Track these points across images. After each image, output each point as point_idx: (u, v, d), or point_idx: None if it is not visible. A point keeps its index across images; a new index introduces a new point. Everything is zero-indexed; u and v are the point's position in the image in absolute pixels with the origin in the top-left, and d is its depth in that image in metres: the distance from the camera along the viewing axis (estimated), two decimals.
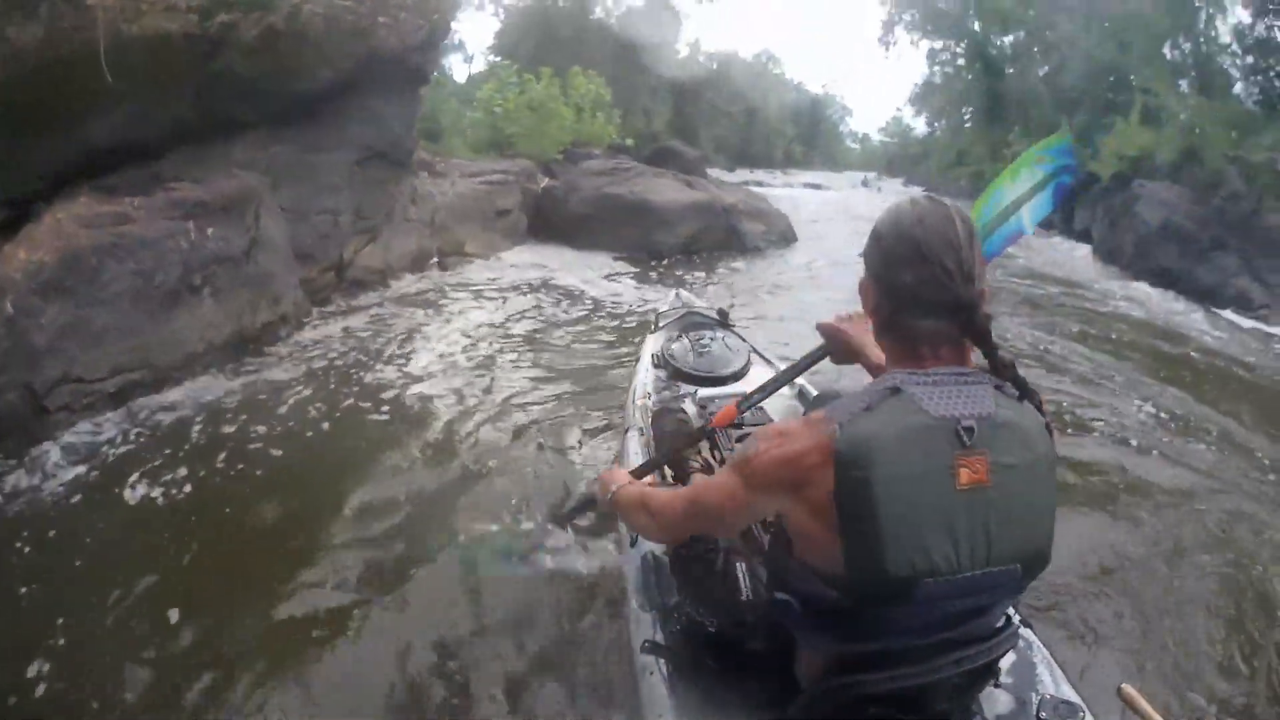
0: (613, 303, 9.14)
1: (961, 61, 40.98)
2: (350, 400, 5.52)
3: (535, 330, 7.79)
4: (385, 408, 5.42)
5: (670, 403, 3.64)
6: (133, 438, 4.75)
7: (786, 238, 14.83)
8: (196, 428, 4.90)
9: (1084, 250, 19.56)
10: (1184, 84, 25.27)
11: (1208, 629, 3.37)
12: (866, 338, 2.00)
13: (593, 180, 13.26)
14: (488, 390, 5.83)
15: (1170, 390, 7.07)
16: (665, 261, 12.08)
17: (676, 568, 2.21)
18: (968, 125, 41.95)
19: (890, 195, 30.78)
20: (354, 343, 6.87)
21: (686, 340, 4.28)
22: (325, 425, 5.08)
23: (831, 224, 19.07)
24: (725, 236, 13.41)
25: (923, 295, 1.45)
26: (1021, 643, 2.01)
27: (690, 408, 3.53)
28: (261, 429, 4.90)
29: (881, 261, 1.51)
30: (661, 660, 2.07)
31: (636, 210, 12.66)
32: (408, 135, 9.47)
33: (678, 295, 5.49)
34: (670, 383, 4.01)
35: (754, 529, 2.18)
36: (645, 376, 4.12)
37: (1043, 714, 1.82)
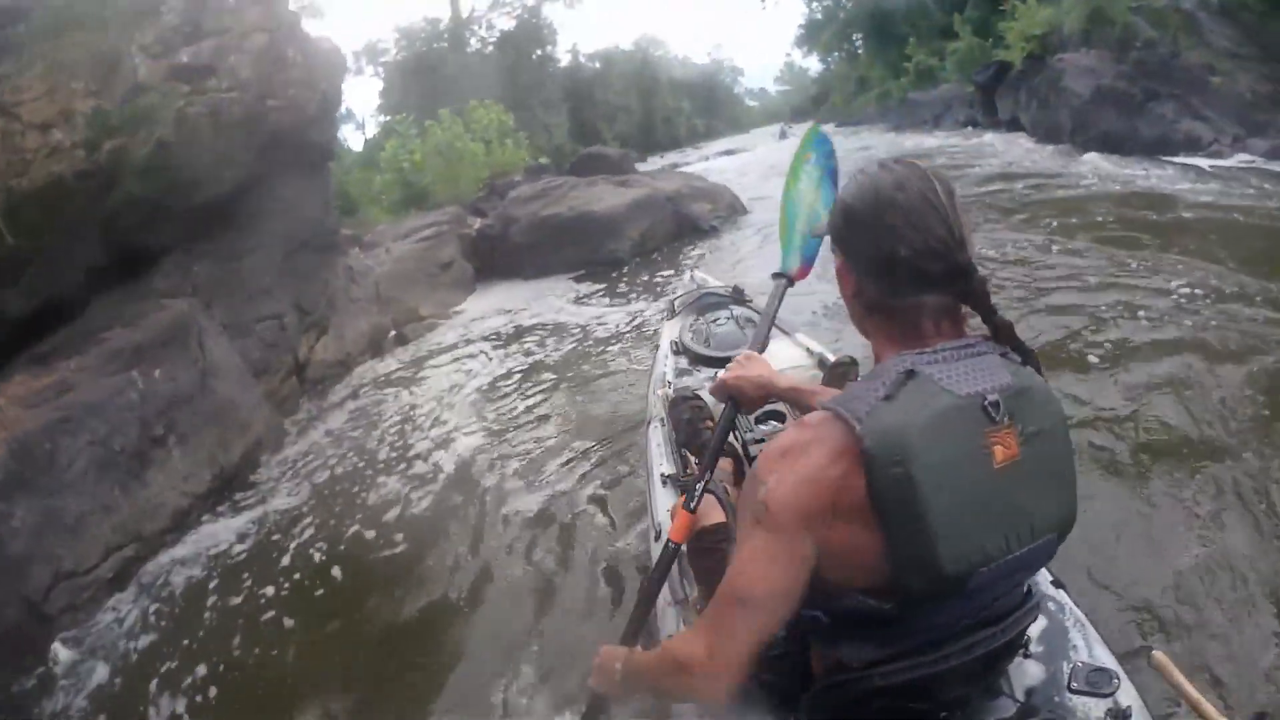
0: (595, 324, 8.73)
1: None
2: (354, 527, 4.97)
3: (524, 381, 7.30)
4: (398, 535, 4.77)
5: (686, 390, 3.53)
6: (151, 618, 4.31)
7: (736, 209, 14.38)
8: (211, 598, 4.43)
9: (1022, 139, 19.61)
10: None
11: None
12: (764, 371, 1.97)
13: (527, 207, 12.74)
14: (496, 480, 5.23)
15: (1189, 263, 6.74)
16: (626, 268, 11.59)
17: (693, 560, 2.19)
18: (860, 51, 42.44)
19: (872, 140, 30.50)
20: (343, 448, 6.38)
21: (702, 322, 4.32)
22: (335, 572, 4.56)
23: (768, 183, 18.46)
24: (677, 226, 12.96)
25: (919, 268, 1.32)
26: (1053, 606, 1.94)
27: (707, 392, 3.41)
28: (269, 590, 4.42)
29: (863, 239, 1.39)
30: None
31: (580, 224, 12.18)
32: (327, 215, 8.99)
33: (692, 277, 5.32)
34: (690, 368, 4.00)
35: None
36: (664, 364, 4.08)
37: (1074, 683, 1.72)
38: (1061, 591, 1.99)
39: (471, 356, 8.44)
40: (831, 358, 3.40)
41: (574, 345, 8.12)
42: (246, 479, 5.91)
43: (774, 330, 3.81)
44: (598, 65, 36.21)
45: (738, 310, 4.41)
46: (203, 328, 6.23)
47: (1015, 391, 1.29)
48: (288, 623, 4.17)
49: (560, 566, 4.08)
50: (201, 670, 3.82)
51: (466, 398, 7.12)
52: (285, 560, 4.72)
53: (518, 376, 7.47)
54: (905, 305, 1.35)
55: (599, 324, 8.69)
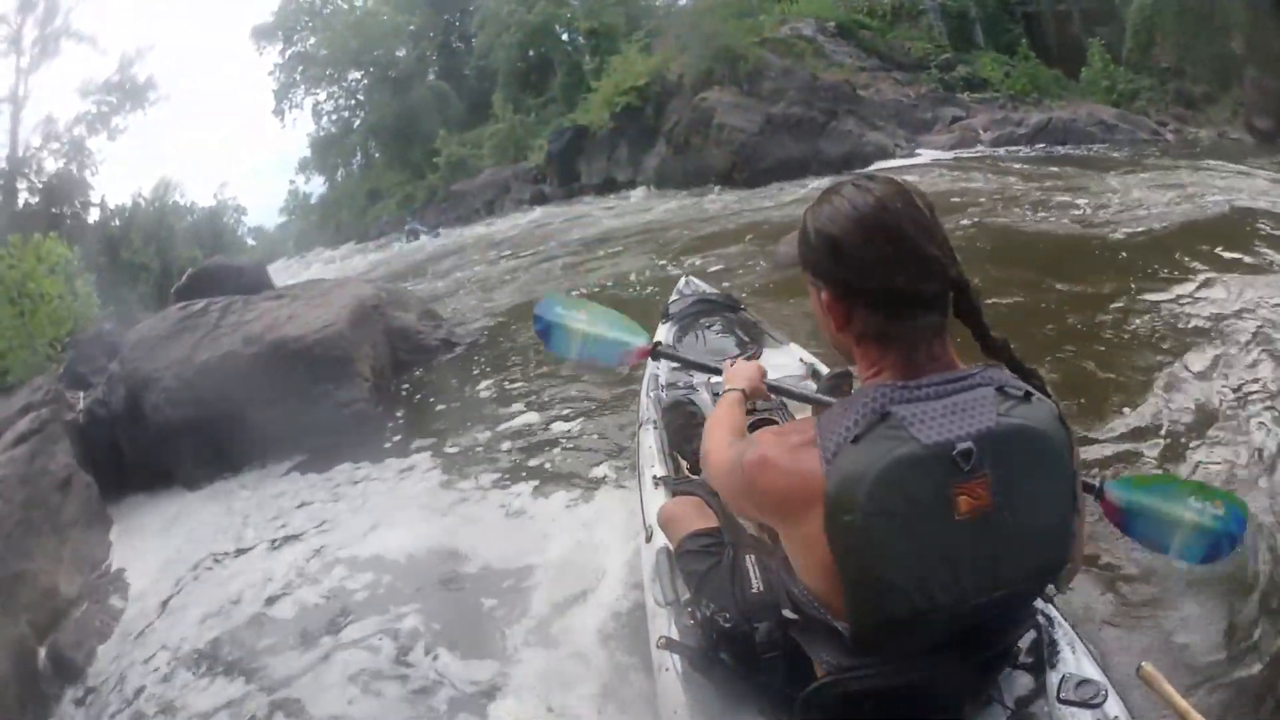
0: (417, 578, 4.20)
1: (357, 99, 42.34)
2: None
3: None
4: None
5: (681, 395, 3.66)
6: None
7: (433, 315, 10.14)
8: None
9: (640, 194, 18.41)
10: None
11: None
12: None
13: (166, 353, 7.19)
14: None
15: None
16: (385, 431, 6.72)
17: (685, 563, 2.17)
18: (377, 157, 42.42)
19: (446, 238, 27.08)
20: None
21: (697, 327, 4.46)
22: None
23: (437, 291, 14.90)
24: (397, 349, 8.42)
25: (916, 292, 1.33)
26: (1042, 619, 1.96)
27: (703, 397, 3.56)
28: None
29: (853, 270, 1.36)
30: (677, 656, 2.05)
31: (280, 365, 6.96)
32: None
33: (687, 281, 5.29)
34: (683, 372, 3.93)
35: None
36: (657, 368, 4.01)
37: (1063, 694, 1.80)
38: (1050, 606, 2.03)
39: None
40: (824, 369, 3.59)
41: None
42: None
43: (769, 339, 4.35)
44: (117, 223, 32.44)
45: (732, 317, 4.54)
46: None
47: (996, 437, 1.27)
48: None
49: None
50: None
51: None
52: None
53: None
54: (902, 331, 1.35)
55: (424, 576, 4.23)
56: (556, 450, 5.47)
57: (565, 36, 33.92)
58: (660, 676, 2.13)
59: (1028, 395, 1.35)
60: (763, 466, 1.39)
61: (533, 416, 6.22)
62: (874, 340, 1.38)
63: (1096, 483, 2.00)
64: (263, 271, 10.66)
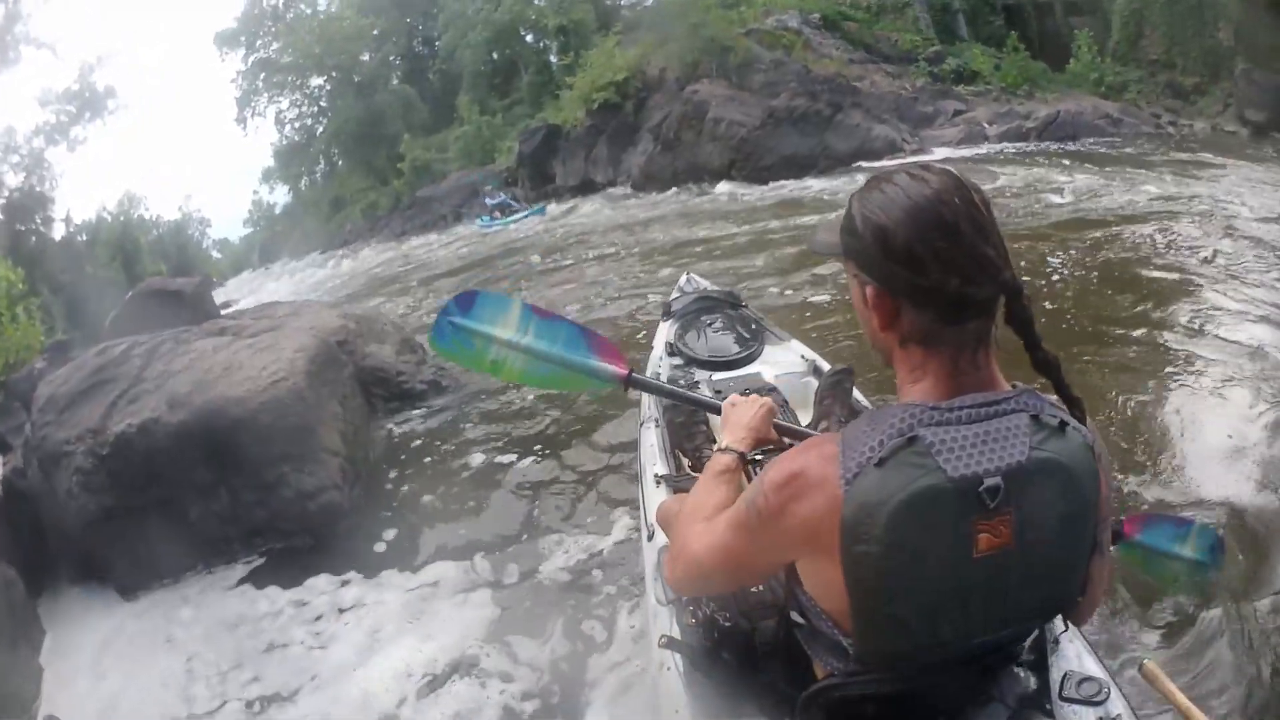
0: None
1: (320, 106, 42.41)
2: None
3: None
4: None
5: None
6: None
7: (412, 346, 8.38)
8: None
9: (630, 195, 17.95)
10: None
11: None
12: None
13: (81, 414, 5.44)
14: None
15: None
16: (377, 541, 4.87)
17: None
18: (340, 164, 42.48)
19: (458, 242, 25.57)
20: None
21: (698, 324, 4.35)
22: None
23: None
24: (372, 395, 6.93)
25: (970, 295, 1.20)
26: None
27: (705, 394, 3.23)
28: None
29: (906, 267, 1.22)
30: (678, 655, 2.01)
31: (212, 436, 5.15)
32: None
33: (689, 279, 5.19)
34: (685, 369, 3.97)
35: None
36: (659, 365, 4.07)
37: (1065, 692, 1.74)
38: None
39: None
40: (825, 365, 3.58)
41: None
42: None
43: (770, 335, 4.30)
44: (84, 237, 31.75)
45: (733, 314, 4.46)
46: None
47: (1025, 472, 1.19)
48: None
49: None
50: None
51: None
52: None
53: None
54: (949, 336, 1.25)
55: None
56: (590, 501, 4.83)
57: (530, 37, 34.08)
58: (661, 675, 2.08)
59: (1062, 425, 1.24)
60: (794, 484, 1.25)
61: (554, 469, 5.25)
62: (919, 344, 1.26)
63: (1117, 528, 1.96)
64: (205, 294, 8.73)
